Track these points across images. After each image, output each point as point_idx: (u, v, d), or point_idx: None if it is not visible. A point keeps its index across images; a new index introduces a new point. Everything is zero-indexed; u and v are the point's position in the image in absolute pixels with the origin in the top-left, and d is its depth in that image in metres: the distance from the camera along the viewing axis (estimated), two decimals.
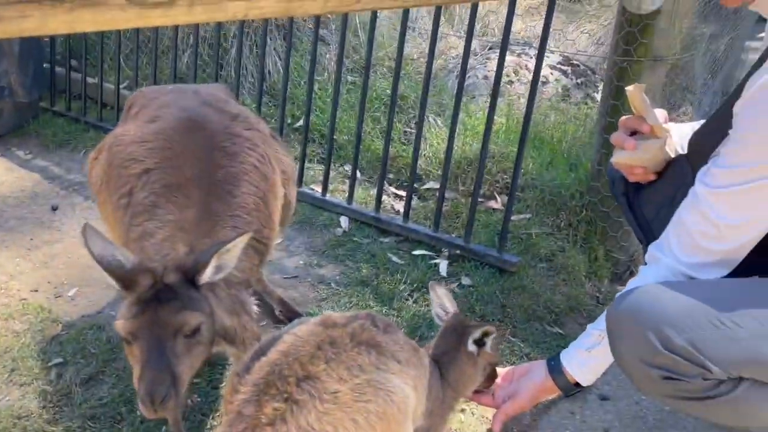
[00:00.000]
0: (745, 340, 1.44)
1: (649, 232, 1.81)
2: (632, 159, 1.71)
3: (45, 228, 3.33)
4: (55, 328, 2.58)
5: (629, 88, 1.67)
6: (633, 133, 1.72)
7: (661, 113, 1.75)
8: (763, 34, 1.67)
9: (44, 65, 4.37)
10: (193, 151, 2.02)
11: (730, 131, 1.50)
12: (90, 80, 4.37)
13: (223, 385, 2.32)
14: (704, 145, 1.63)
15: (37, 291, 2.83)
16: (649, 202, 1.80)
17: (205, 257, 1.66)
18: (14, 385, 2.28)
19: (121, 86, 4.20)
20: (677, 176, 1.70)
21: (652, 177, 1.76)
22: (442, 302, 1.90)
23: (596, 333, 1.80)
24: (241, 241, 1.66)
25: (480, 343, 1.80)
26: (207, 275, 1.68)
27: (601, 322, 1.80)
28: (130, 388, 2.19)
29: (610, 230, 2.99)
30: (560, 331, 2.65)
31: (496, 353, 1.87)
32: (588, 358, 1.88)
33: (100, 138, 2.74)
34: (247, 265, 1.94)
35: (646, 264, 1.74)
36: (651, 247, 1.71)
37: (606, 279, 2.99)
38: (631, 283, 1.69)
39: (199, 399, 2.25)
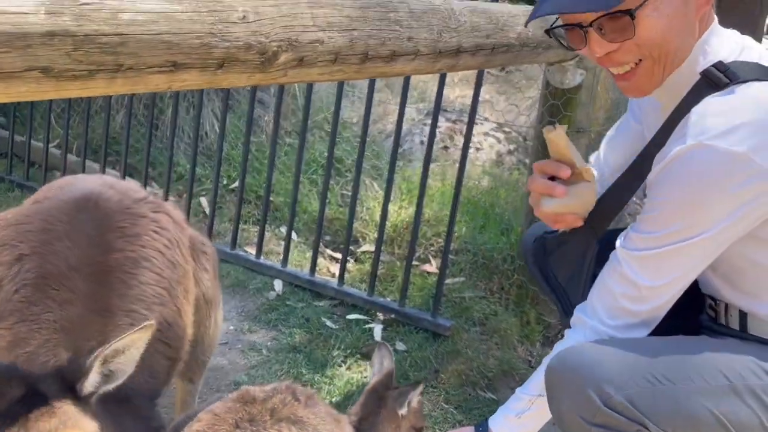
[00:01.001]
0: (677, 397, 1.48)
1: (564, 299, 1.86)
2: (564, 206, 1.62)
3: None
4: None
5: (551, 132, 1.55)
6: (551, 179, 1.66)
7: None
8: None
9: None
10: (81, 234, 1.67)
11: (645, 200, 1.58)
12: (18, 138, 4.24)
13: None
14: (605, 211, 1.71)
15: None
16: (560, 269, 1.86)
17: (87, 361, 1.36)
18: None
19: (50, 145, 4.09)
20: (581, 242, 1.75)
21: (581, 223, 1.74)
22: (375, 367, 1.87)
23: (526, 398, 1.79)
24: (139, 338, 1.36)
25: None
26: (90, 384, 1.38)
27: (531, 385, 1.81)
28: None
29: (540, 294, 3.05)
30: (493, 397, 2.65)
31: (420, 416, 1.83)
32: (518, 424, 1.86)
33: (25, 197, 2.62)
34: (156, 370, 1.67)
35: (570, 328, 1.77)
36: (576, 311, 1.74)
37: (538, 342, 3.03)
38: (558, 347, 1.71)
39: None
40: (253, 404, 1.46)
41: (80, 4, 0.99)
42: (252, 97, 3.37)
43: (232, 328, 3.00)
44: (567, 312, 1.86)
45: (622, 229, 1.68)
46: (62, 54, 0.99)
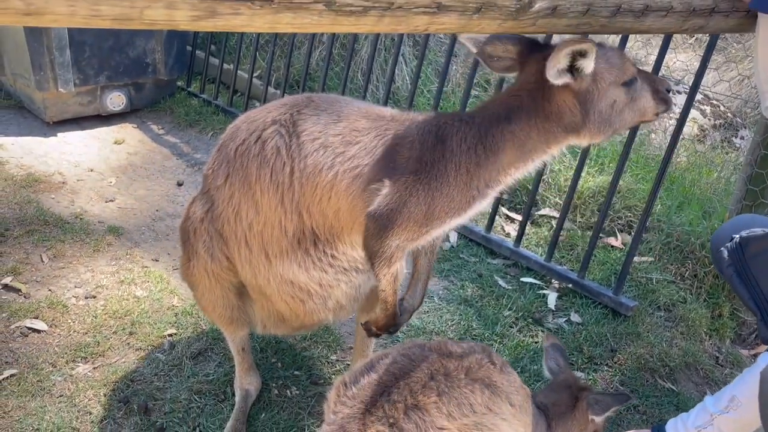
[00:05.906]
0: None
1: (766, 308, 1.67)
2: None
3: (169, 201, 3.50)
4: (171, 299, 2.70)
5: None
6: None
7: None
8: None
9: (187, 47, 4.61)
10: None
11: None
12: (226, 66, 4.57)
13: (322, 381, 2.34)
14: None
15: (157, 261, 2.98)
16: (766, 277, 1.66)
17: None
18: (131, 348, 2.41)
19: (253, 75, 4.36)
20: None
21: None
22: (557, 358, 1.82)
23: (710, 413, 1.68)
24: None
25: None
26: None
27: (721, 397, 1.70)
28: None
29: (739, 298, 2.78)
30: (673, 387, 2.48)
31: (605, 423, 1.77)
32: None
33: (228, 122, 2.82)
34: None
35: None
36: None
37: (728, 339, 2.78)
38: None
39: (297, 392, 2.29)
40: (450, 359, 1.47)
41: None
42: (450, 47, 3.32)
43: (406, 271, 3.06)
44: None
45: None
46: None
